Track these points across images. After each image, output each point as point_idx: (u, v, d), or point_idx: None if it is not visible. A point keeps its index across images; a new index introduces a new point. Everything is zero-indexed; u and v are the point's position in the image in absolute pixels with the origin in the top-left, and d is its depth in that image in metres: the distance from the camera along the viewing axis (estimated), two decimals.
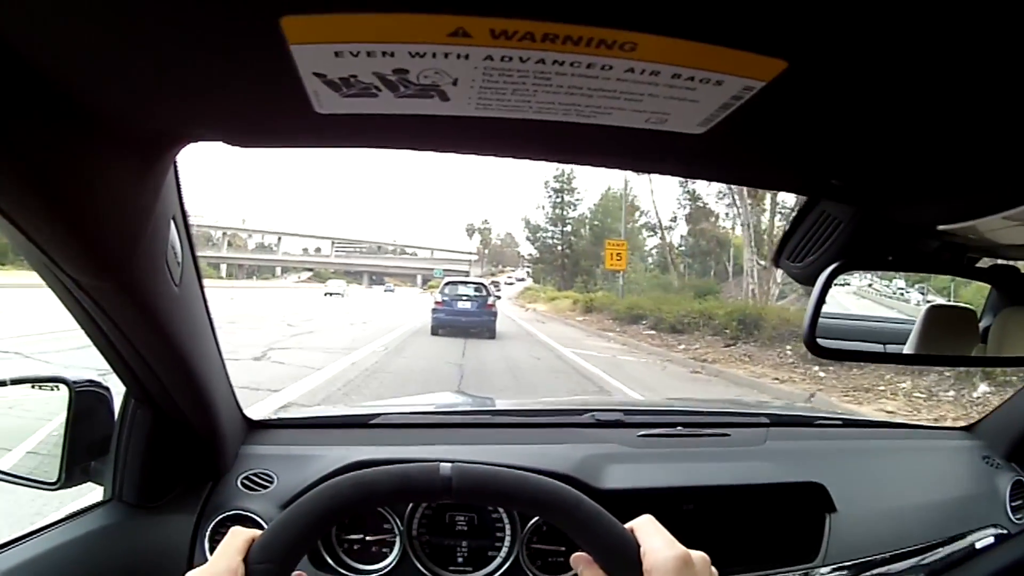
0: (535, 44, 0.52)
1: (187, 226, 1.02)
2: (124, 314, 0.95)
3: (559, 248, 55.94)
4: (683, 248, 49.18)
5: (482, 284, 21.16)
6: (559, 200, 55.78)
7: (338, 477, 0.96)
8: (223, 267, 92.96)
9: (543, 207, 57.43)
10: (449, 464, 0.98)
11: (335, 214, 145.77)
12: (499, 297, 24.11)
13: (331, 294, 52.70)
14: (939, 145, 0.75)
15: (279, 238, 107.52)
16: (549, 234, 56.74)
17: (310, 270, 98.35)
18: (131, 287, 0.88)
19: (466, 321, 18.92)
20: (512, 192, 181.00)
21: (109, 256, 0.79)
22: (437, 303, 19.30)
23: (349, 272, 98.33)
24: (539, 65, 0.55)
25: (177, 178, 0.93)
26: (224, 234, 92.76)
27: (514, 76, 0.58)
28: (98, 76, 0.59)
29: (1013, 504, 1.80)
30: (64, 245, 0.75)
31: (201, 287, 1.14)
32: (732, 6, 0.47)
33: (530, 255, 61.27)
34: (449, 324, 18.61)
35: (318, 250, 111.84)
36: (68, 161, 0.65)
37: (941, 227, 0.99)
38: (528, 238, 57.87)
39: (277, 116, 0.72)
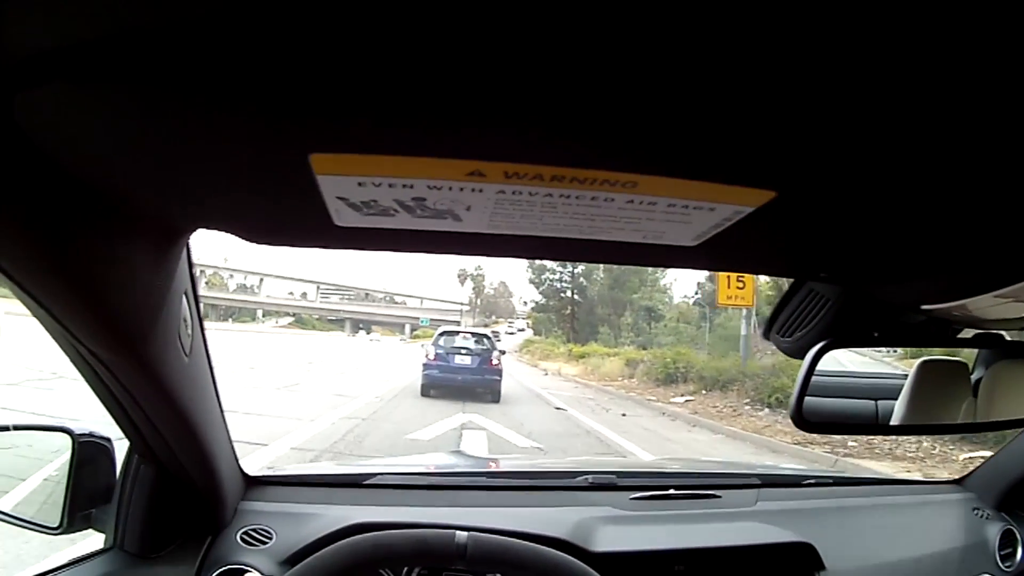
0: (544, 183, 0.57)
1: (196, 298, 1.06)
2: (137, 384, 0.99)
3: (568, 293, 48.91)
4: (699, 295, 43.01)
5: (484, 336, 17.69)
6: None
7: (357, 537, 1.06)
8: (200, 307, 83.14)
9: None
10: (465, 533, 1.04)
11: (322, 257, 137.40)
12: (504, 352, 19.20)
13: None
14: (923, 232, 0.78)
15: (261, 279, 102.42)
16: (557, 276, 49.34)
17: (292, 315, 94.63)
18: (146, 361, 0.91)
19: (464, 380, 15.56)
20: None
21: (128, 334, 0.83)
22: (430, 358, 15.94)
23: (333, 320, 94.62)
24: (547, 198, 0.61)
25: (189, 254, 0.96)
26: (202, 272, 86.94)
27: (523, 206, 0.63)
28: (127, 179, 0.64)
29: (1002, 553, 1.85)
30: (84, 324, 0.79)
31: (207, 354, 1.19)
32: (723, 149, 0.52)
33: (534, 301, 53.74)
34: (443, 383, 15.47)
35: (304, 295, 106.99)
36: (91, 248, 0.69)
37: (926, 307, 1.03)
38: (532, 281, 50.26)
39: (297, 224, 0.78)
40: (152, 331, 0.86)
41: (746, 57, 0.42)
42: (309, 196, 0.61)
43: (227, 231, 0.81)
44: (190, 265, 0.99)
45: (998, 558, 1.82)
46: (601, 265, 43.05)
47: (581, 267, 47.36)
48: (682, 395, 17.76)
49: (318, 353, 31.65)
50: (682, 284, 50.58)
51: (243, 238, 0.84)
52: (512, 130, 0.50)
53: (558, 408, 14.93)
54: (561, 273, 48.64)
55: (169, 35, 0.40)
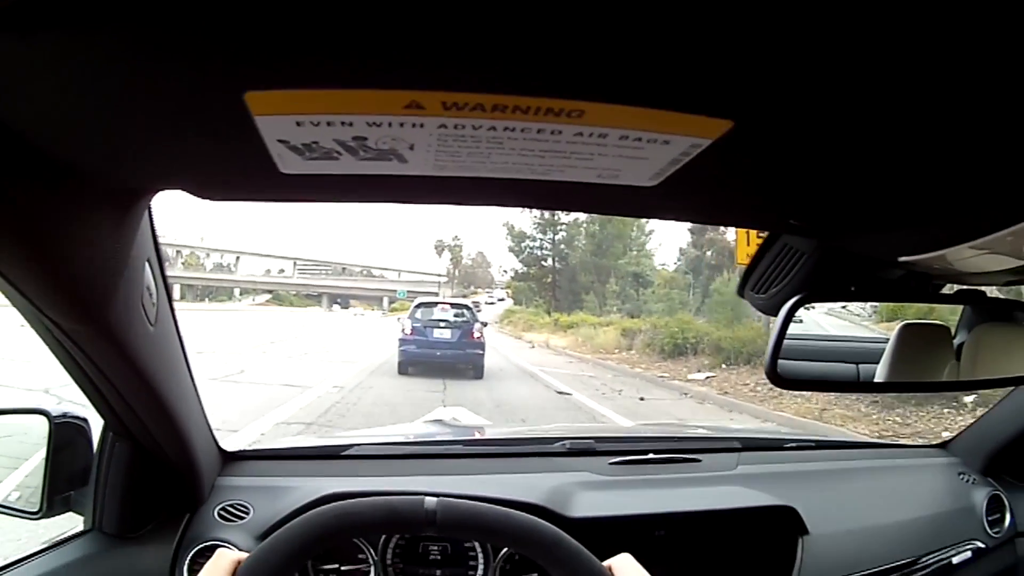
0: (486, 114, 0.54)
1: (162, 267, 1.06)
2: (102, 355, 0.99)
3: (549, 261, 46.53)
4: (681, 262, 44.35)
5: (465, 307, 16.37)
6: None
7: (325, 506, 1.02)
8: (176, 288, 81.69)
9: (530, 209, 45.61)
10: (434, 498, 1.03)
11: (298, 233, 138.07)
12: (485, 324, 17.53)
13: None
14: (895, 180, 0.75)
15: (237, 257, 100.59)
16: (537, 243, 47.04)
17: (269, 292, 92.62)
18: (109, 329, 0.91)
19: (443, 356, 14.35)
20: (482, 208, 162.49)
21: (87, 301, 0.83)
22: (406, 332, 14.55)
23: (311, 295, 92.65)
24: (491, 132, 0.58)
25: (151, 221, 0.96)
26: (178, 252, 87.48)
27: (468, 141, 0.60)
28: (73, 136, 0.63)
29: (990, 519, 1.85)
30: (44, 292, 0.79)
31: (176, 325, 1.19)
32: (675, 73, 0.50)
33: (513, 270, 51.01)
34: (422, 359, 14.24)
35: (281, 271, 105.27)
36: (46, 213, 0.69)
37: (903, 259, 1.00)
38: (511, 248, 47.99)
39: (243, 174, 0.76)
40: (113, 299, 0.85)
41: None
42: (251, 142, 0.59)
43: (180, 188, 0.80)
44: (153, 233, 0.98)
45: (986, 524, 1.80)
46: (583, 231, 43.27)
47: (562, 233, 45.63)
48: (699, 371, 15.82)
49: (287, 331, 29.06)
50: (662, 253, 48.46)
51: (196, 195, 0.82)
52: (447, 56, 0.47)
53: (561, 392, 12.65)
54: (541, 240, 46.51)
55: None
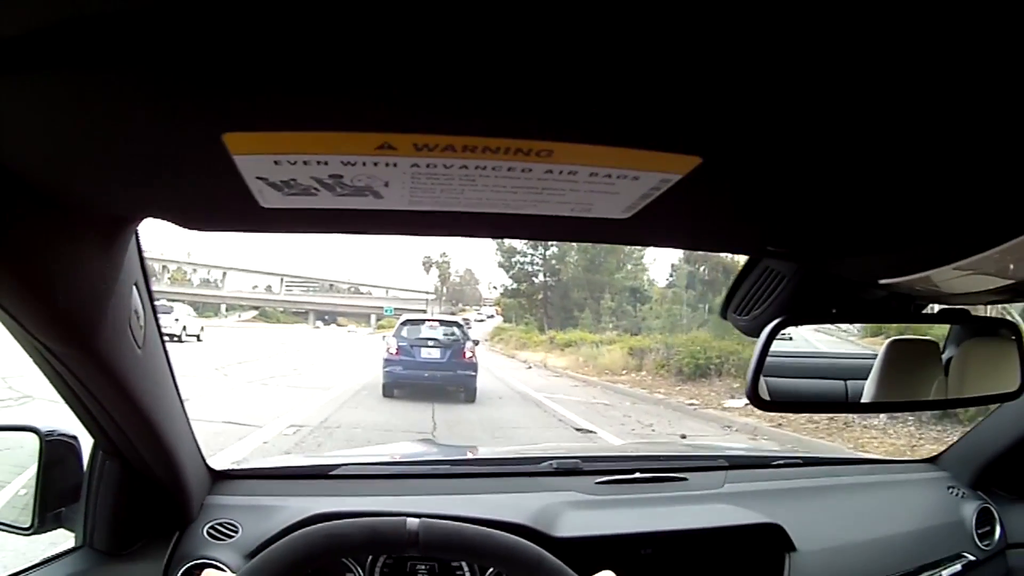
0: (456, 154, 0.56)
1: (149, 291, 1.08)
2: (91, 377, 0.99)
3: (541, 277, 44.79)
4: (672, 278, 40.01)
5: (455, 324, 15.07)
6: None
7: (310, 527, 1.03)
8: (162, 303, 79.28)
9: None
10: (416, 519, 1.04)
11: (286, 250, 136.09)
12: (477, 342, 15.51)
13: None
14: (872, 205, 0.75)
15: (224, 273, 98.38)
16: (528, 259, 44.88)
17: (256, 308, 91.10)
18: (97, 353, 0.91)
19: (432, 377, 13.08)
20: None
21: (75, 325, 0.84)
22: (391, 352, 13.28)
23: (298, 312, 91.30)
24: (463, 170, 0.59)
25: (139, 245, 0.97)
26: (165, 268, 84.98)
27: (440, 179, 0.62)
28: (60, 169, 0.65)
29: (980, 531, 1.84)
30: (34, 316, 0.80)
31: (164, 347, 1.20)
32: (640, 113, 0.50)
33: (503, 286, 49.05)
34: (408, 381, 13.08)
35: (268, 288, 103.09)
36: (34, 240, 0.70)
37: (884, 281, 1.01)
38: (502, 265, 45.69)
39: (225, 208, 0.78)
40: (101, 323, 0.87)
41: (651, 11, 0.40)
42: (231, 178, 0.61)
43: (164, 218, 0.82)
44: (141, 257, 1.00)
45: (976, 537, 1.81)
46: (575, 247, 40.45)
47: (553, 248, 43.32)
48: (731, 395, 13.68)
49: (261, 349, 25.94)
50: (654, 269, 46.84)
51: (181, 225, 0.84)
52: (417, 100, 0.49)
53: (581, 430, 10.18)
54: (532, 256, 44.35)
55: (77, 24, 0.41)
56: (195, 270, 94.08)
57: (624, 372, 19.68)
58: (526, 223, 0.79)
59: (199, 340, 28.78)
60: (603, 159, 0.57)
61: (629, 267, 40.29)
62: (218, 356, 20.04)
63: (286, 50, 0.42)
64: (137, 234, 0.92)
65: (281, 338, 39.86)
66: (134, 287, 0.98)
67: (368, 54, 0.42)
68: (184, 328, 27.48)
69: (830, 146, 0.56)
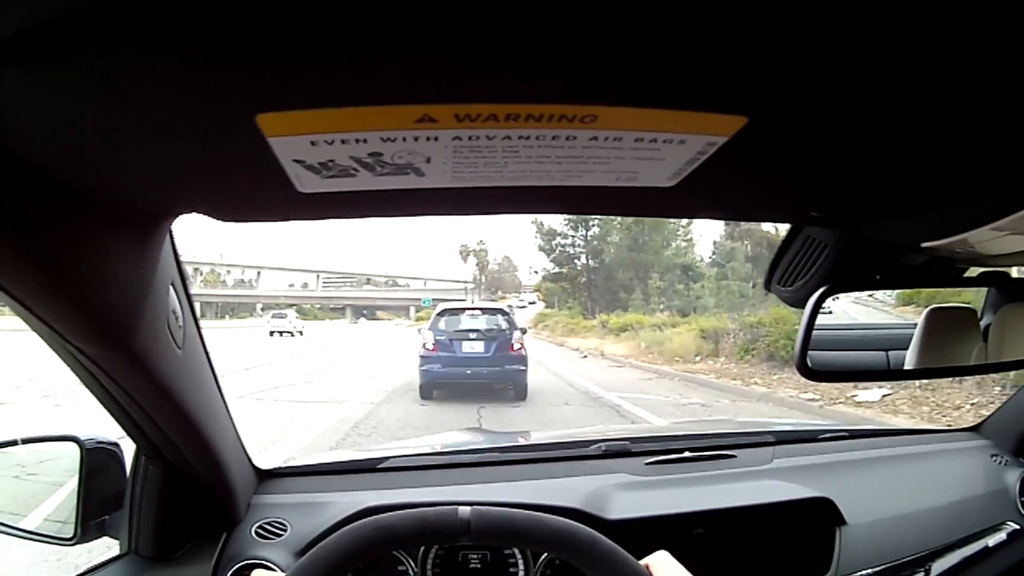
0: (499, 123, 0.54)
1: (186, 289, 1.06)
2: (131, 380, 0.97)
3: (583, 258, 43.36)
4: (715, 255, 40.93)
5: (499, 311, 13.28)
6: None
7: (358, 522, 1.01)
8: (196, 306, 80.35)
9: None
10: (468, 507, 1.01)
11: (321, 246, 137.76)
12: (524, 331, 13.41)
13: (275, 332, 40.45)
14: (915, 164, 0.73)
15: (258, 273, 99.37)
16: (569, 240, 43.79)
17: (292, 306, 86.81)
18: (136, 355, 0.89)
19: (475, 374, 11.58)
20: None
21: (112, 327, 0.81)
22: (428, 347, 11.70)
23: (335, 308, 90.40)
24: (506, 141, 0.58)
25: (173, 244, 0.96)
26: (197, 270, 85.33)
27: (483, 152, 0.60)
28: (91, 164, 0.63)
29: (1023, 499, 1.79)
30: (68, 319, 0.78)
31: (204, 346, 1.18)
32: (685, 73, 0.49)
33: (545, 270, 47.75)
34: (448, 380, 11.70)
35: (304, 285, 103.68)
36: (66, 240, 0.68)
37: (926, 244, 0.99)
38: (542, 248, 44.77)
39: (262, 196, 0.76)
40: (139, 324, 0.85)
41: None
42: (267, 163, 0.59)
43: (199, 212, 0.81)
44: (176, 256, 0.99)
45: (1020, 505, 1.76)
46: (618, 226, 40.49)
47: (595, 229, 42.86)
48: (857, 386, 10.95)
49: (285, 350, 24.82)
50: (697, 246, 45.35)
51: (216, 218, 0.82)
52: (457, 69, 0.47)
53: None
54: (573, 237, 43.68)
55: (99, 3, 0.39)
56: (229, 271, 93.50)
57: (698, 359, 18.08)
58: (571, 196, 0.77)
59: (302, 334, 39.50)
60: (648, 123, 0.55)
61: (676, 244, 39.38)
62: (225, 361, 18.02)
63: (319, 20, 0.40)
64: (172, 233, 0.92)
65: (317, 335, 39.73)
66: (171, 287, 0.96)
67: (405, 21, 0.41)
68: (294, 327, 40.66)
69: (875, 103, 0.55)
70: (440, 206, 0.83)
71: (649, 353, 20.28)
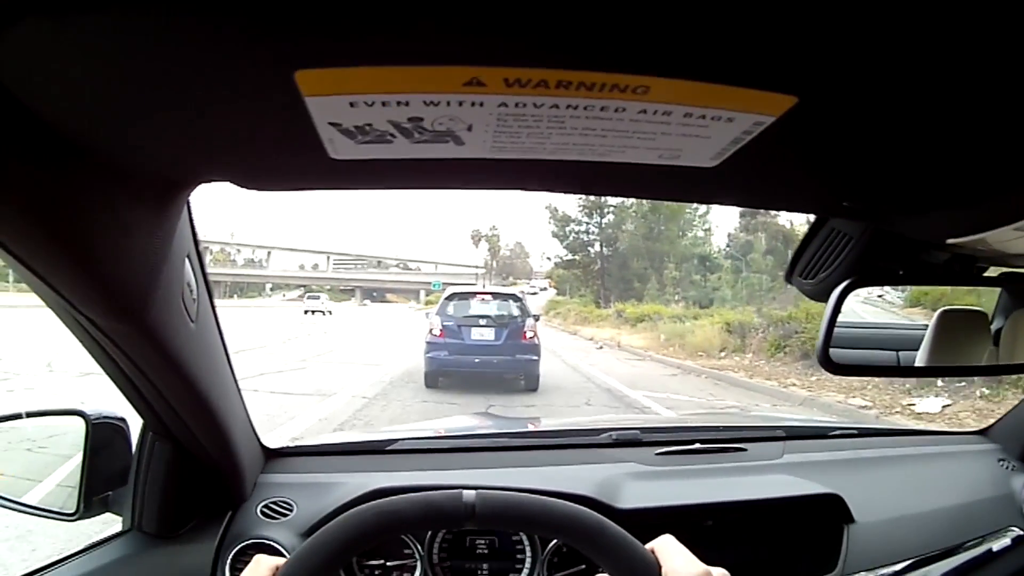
0: (549, 91, 0.52)
1: (201, 262, 1.04)
2: (142, 354, 0.96)
3: (597, 246, 42.45)
4: (730, 247, 40.34)
5: (511, 296, 12.47)
6: None
7: (362, 506, 0.99)
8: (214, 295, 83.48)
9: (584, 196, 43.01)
10: (472, 491, 0.99)
11: (334, 227, 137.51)
12: (537, 318, 12.48)
13: (309, 311, 48.81)
14: (947, 160, 0.73)
15: (269, 252, 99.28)
16: (583, 227, 43.13)
17: (302, 286, 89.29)
18: (149, 328, 0.88)
19: (484, 364, 11.04)
20: (523, 195, 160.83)
21: (127, 299, 0.80)
22: (435, 333, 11.16)
23: (345, 289, 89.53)
24: (553, 110, 0.56)
25: (191, 216, 0.94)
26: (207, 249, 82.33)
27: (528, 120, 0.58)
28: (111, 125, 0.60)
29: None
30: (82, 290, 0.76)
31: (217, 321, 1.17)
32: (741, 47, 0.48)
33: (558, 256, 47.11)
34: (456, 368, 11.12)
35: (315, 265, 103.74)
36: (84, 209, 0.66)
37: (951, 241, 0.99)
38: (555, 234, 44.04)
39: (290, 161, 0.72)
40: (152, 296, 0.84)
41: None
42: (301, 125, 0.57)
43: (225, 178, 0.78)
44: (193, 228, 0.97)
45: None
46: (633, 214, 40.20)
47: (610, 216, 42.41)
48: (921, 392, 10.48)
49: (276, 333, 23.54)
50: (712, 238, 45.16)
51: (241, 185, 0.79)
52: (512, 28, 0.45)
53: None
54: (588, 224, 43.18)
55: None
56: (239, 250, 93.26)
57: (723, 354, 17.33)
58: (609, 173, 0.74)
59: (331, 314, 46.87)
60: (699, 97, 0.54)
61: (693, 234, 39.25)
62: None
63: None
64: (189, 204, 0.90)
65: (312, 318, 40.07)
66: (186, 259, 0.94)
67: None
68: (325, 308, 48.74)
69: (921, 90, 0.55)
70: (474, 179, 0.80)
71: (669, 346, 19.58)
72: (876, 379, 11.35)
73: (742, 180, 0.79)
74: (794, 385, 12.40)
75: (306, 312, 46.80)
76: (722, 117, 0.57)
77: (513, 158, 0.67)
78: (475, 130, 0.59)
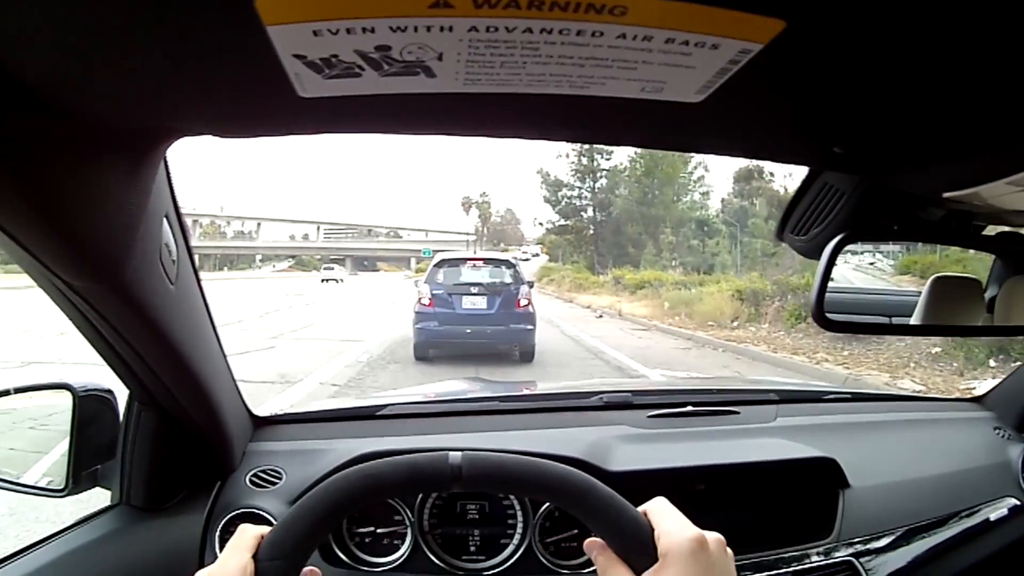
0: (520, 12, 0.50)
1: (181, 223, 1.03)
2: (120, 316, 0.95)
3: (590, 211, 42.37)
4: (723, 214, 39.60)
5: (504, 262, 12.05)
6: (588, 146, 41.42)
7: (346, 470, 0.96)
8: (195, 258, 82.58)
9: (566, 154, 43.26)
10: (458, 452, 0.97)
11: (322, 197, 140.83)
12: (532, 284, 11.97)
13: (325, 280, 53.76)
14: (943, 109, 0.71)
15: (259, 224, 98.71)
16: (576, 192, 42.99)
17: (292, 257, 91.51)
18: (125, 288, 0.87)
19: (476, 334, 10.64)
20: (513, 160, 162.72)
21: (101, 257, 0.79)
22: (424, 302, 10.78)
23: (335, 259, 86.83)
24: (527, 34, 0.53)
25: (168, 174, 0.94)
26: (195, 222, 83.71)
27: (501, 47, 0.55)
28: (76, 78, 0.60)
29: None
30: (54, 248, 0.75)
31: (199, 284, 1.15)
32: None
33: (550, 222, 46.95)
34: (447, 339, 10.78)
35: (305, 236, 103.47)
36: (53, 163, 0.66)
37: (947, 195, 0.97)
38: (547, 199, 44.04)
39: (261, 103, 0.70)
40: (128, 254, 0.83)
41: None
42: (266, 59, 0.54)
43: (198, 126, 0.76)
44: (171, 188, 0.96)
45: (1021, 480, 1.72)
46: (626, 179, 40.30)
47: (603, 181, 42.25)
48: (963, 372, 9.92)
49: (254, 307, 22.05)
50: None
51: (215, 133, 0.77)
52: None
53: None
54: (580, 189, 43.11)
55: None
56: (228, 223, 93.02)
57: (735, 324, 16.37)
58: (591, 110, 0.69)
59: (343, 282, 51.84)
60: (681, 20, 0.51)
61: (688, 198, 39.04)
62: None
63: None
64: (166, 162, 0.90)
65: (297, 289, 39.21)
66: (164, 219, 0.94)
67: None
68: (339, 277, 54.56)
69: (916, 28, 0.53)
70: (450, 118, 0.76)
71: (674, 315, 18.74)
72: (921, 359, 10.78)
73: (728, 121, 0.77)
74: (826, 361, 11.52)
75: (323, 280, 52.28)
76: (706, 44, 0.54)
77: (488, 92, 0.63)
78: (446, 59, 0.56)
